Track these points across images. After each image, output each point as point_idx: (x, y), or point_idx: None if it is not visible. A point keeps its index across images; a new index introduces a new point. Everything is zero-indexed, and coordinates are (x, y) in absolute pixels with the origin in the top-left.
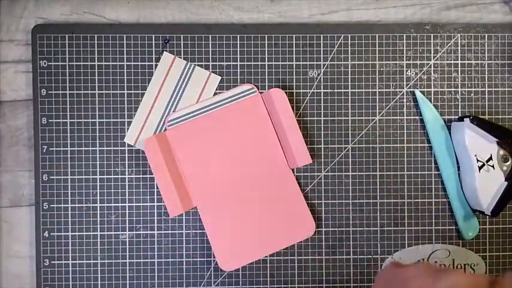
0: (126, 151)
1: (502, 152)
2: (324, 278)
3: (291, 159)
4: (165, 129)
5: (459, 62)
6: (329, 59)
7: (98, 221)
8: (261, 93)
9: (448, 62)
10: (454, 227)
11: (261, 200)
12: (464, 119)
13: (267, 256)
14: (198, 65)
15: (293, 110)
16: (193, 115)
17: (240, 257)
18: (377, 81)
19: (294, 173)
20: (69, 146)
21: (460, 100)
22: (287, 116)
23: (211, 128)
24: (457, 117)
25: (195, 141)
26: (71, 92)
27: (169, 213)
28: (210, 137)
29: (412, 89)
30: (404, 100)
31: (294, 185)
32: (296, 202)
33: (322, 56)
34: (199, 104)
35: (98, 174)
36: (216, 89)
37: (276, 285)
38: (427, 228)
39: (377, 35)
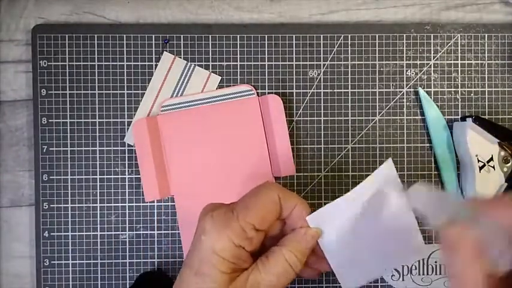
0: (126, 151)
1: (503, 153)
2: (323, 278)
3: (276, 167)
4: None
5: (459, 62)
6: (329, 59)
7: (98, 221)
8: (259, 95)
9: (448, 62)
10: None
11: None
12: (467, 119)
13: None
14: (198, 65)
15: (293, 111)
16: (188, 105)
17: None
18: (377, 81)
19: (278, 181)
20: (69, 146)
21: (460, 100)
22: (280, 124)
23: (203, 121)
24: (457, 117)
25: (184, 130)
26: (71, 92)
27: (145, 197)
28: (200, 129)
29: (412, 89)
30: (404, 100)
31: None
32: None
33: (322, 56)
34: (197, 95)
35: (98, 174)
36: (216, 89)
37: None
38: (427, 228)
39: (377, 35)
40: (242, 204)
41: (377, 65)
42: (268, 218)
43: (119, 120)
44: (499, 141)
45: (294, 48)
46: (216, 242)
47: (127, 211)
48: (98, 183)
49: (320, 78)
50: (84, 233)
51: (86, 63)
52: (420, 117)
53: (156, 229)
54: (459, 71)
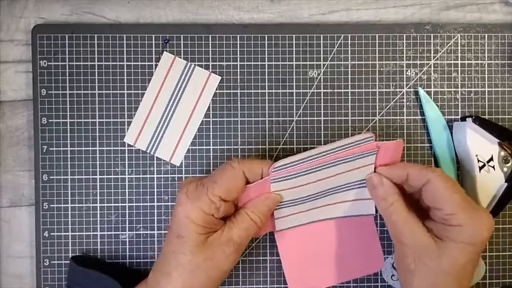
0: (126, 151)
1: (503, 153)
2: None
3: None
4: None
5: (459, 62)
6: (329, 59)
7: (98, 221)
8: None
9: (448, 62)
10: None
11: (338, 231)
12: (467, 119)
13: (266, 256)
14: (198, 65)
15: (293, 111)
16: (299, 162)
17: (309, 281)
18: (377, 81)
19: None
20: (69, 146)
21: (460, 100)
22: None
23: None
24: (457, 117)
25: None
26: (71, 92)
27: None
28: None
29: (412, 89)
30: (404, 100)
31: (371, 226)
32: (370, 240)
33: (322, 56)
34: (308, 152)
35: (98, 174)
36: (216, 89)
37: (276, 285)
38: None
39: (377, 35)
40: (211, 179)
41: (377, 65)
42: (233, 191)
43: (119, 120)
44: (499, 141)
45: (294, 48)
46: (190, 212)
47: (127, 211)
48: (98, 183)
49: (320, 78)
50: (84, 233)
51: (86, 63)
52: (420, 117)
53: (156, 229)
54: (459, 71)
